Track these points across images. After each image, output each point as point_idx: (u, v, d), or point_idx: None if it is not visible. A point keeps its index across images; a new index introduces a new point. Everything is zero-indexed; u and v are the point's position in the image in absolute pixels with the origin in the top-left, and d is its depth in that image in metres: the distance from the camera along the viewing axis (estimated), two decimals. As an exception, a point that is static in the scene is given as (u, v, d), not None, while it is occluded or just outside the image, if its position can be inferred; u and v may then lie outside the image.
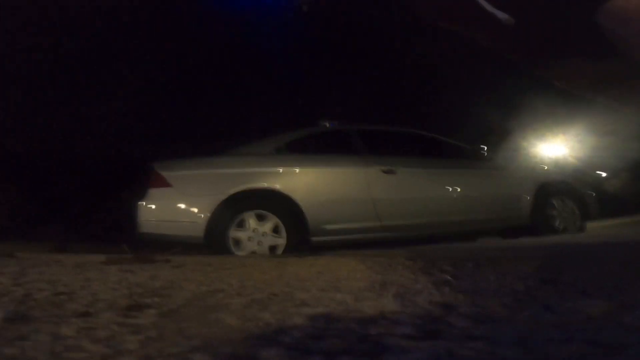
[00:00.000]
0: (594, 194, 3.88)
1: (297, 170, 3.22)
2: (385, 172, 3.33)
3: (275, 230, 3.02)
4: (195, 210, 2.95)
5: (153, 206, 3.00)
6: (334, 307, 0.77)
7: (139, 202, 3.00)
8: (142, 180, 3.11)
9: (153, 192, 3.00)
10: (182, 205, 2.97)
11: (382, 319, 0.69)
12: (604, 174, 4.19)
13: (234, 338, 0.59)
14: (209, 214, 2.90)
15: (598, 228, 2.73)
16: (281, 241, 3.00)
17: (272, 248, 2.99)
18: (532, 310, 0.69)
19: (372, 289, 0.94)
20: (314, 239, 3.14)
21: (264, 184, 3.09)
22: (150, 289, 0.88)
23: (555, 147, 3.84)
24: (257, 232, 2.98)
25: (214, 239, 2.94)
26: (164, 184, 2.97)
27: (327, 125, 3.56)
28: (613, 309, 0.61)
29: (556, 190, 3.75)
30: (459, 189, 3.59)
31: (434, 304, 0.77)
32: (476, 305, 0.74)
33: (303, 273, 1.27)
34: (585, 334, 0.54)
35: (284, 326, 0.65)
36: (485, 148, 3.69)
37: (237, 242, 2.96)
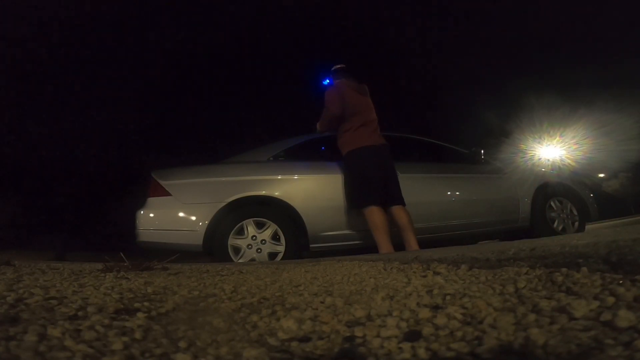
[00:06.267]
0: (593, 195, 3.87)
1: (296, 177, 3.25)
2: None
3: (275, 237, 3.02)
4: (194, 218, 2.98)
5: (152, 215, 3.03)
6: (322, 310, 0.77)
7: (138, 211, 3.02)
8: (141, 189, 3.13)
9: (152, 200, 3.03)
10: (181, 214, 3.00)
11: (368, 321, 0.70)
12: (602, 175, 4.20)
13: (219, 340, 0.59)
14: (207, 222, 2.92)
15: (597, 229, 2.71)
16: (280, 248, 3.01)
17: (272, 255, 2.99)
18: (519, 311, 0.69)
19: (363, 292, 0.95)
20: (313, 245, 3.14)
21: (262, 192, 3.11)
22: (142, 294, 0.89)
23: (553, 149, 3.85)
24: (256, 239, 2.99)
25: (213, 247, 2.95)
26: (163, 192, 3.00)
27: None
28: (596, 309, 0.61)
29: (554, 192, 3.75)
30: (457, 193, 3.60)
31: (422, 306, 0.77)
32: (463, 307, 0.74)
33: (298, 278, 1.28)
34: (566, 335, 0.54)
35: (270, 328, 0.66)
36: (483, 152, 3.70)
37: (237, 249, 2.97)
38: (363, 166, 3.11)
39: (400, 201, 3.09)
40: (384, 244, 2.95)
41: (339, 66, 3.38)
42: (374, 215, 2.99)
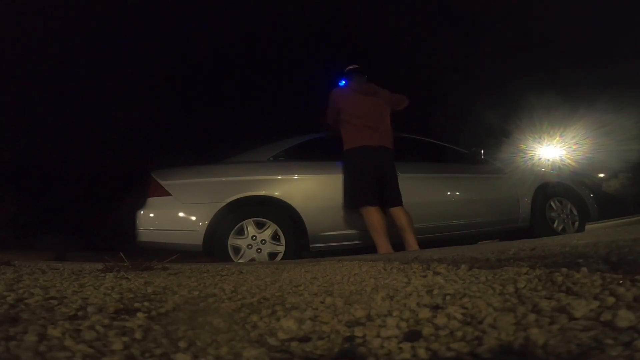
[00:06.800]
0: (593, 195, 3.87)
1: (296, 177, 3.25)
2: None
3: (275, 237, 3.02)
4: (194, 218, 2.98)
5: (152, 215, 3.03)
6: (322, 310, 0.77)
7: (138, 211, 3.02)
8: (141, 189, 3.13)
9: (152, 200, 3.03)
10: (181, 214, 3.00)
11: (369, 321, 0.70)
12: (602, 175, 4.20)
13: (219, 340, 0.59)
14: (207, 222, 2.92)
15: (597, 229, 2.72)
16: (280, 248, 3.01)
17: (272, 255, 2.99)
18: (519, 311, 0.69)
19: (363, 292, 0.95)
20: (313, 245, 3.14)
21: (262, 192, 3.11)
22: (142, 294, 0.89)
23: (553, 149, 3.85)
24: (256, 239, 2.99)
25: (213, 247, 2.95)
26: (163, 192, 3.00)
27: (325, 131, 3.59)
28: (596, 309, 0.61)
29: (554, 192, 3.76)
30: (457, 193, 3.60)
31: (422, 306, 0.77)
32: (463, 307, 0.74)
33: (298, 278, 1.28)
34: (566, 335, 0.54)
35: (270, 328, 0.66)
36: (483, 152, 3.70)
37: (237, 249, 2.97)
38: (359, 165, 3.12)
39: (399, 202, 3.09)
40: (383, 244, 2.95)
41: (352, 67, 3.39)
42: (371, 215, 3.00)
